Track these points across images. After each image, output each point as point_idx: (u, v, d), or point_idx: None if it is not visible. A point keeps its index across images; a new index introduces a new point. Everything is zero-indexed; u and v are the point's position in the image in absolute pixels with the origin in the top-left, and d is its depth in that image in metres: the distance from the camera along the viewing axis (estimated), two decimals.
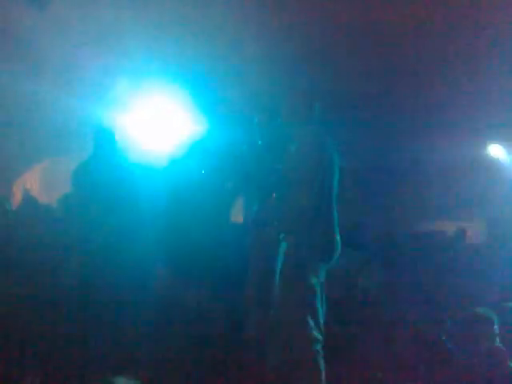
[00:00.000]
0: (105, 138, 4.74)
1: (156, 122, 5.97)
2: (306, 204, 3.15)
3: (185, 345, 3.77)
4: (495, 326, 3.77)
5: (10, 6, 5.19)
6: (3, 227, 5.55)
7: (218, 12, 5.46)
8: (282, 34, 5.77)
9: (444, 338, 3.96)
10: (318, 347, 3.09)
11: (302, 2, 5.44)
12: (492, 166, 8.93)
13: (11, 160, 6.53)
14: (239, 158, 3.91)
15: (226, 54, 5.90)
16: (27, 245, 5.22)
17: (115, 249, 4.58)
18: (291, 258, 3.17)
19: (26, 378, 3.38)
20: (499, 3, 5.28)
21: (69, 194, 5.44)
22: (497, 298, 5.18)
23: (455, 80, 6.89)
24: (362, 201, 8.14)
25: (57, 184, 6.12)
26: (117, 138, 4.79)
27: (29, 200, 5.86)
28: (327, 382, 3.10)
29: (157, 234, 4.22)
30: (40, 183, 6.62)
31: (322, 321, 3.16)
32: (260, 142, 3.90)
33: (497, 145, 8.90)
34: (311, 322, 3.08)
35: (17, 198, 6.61)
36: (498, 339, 3.73)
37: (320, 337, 3.10)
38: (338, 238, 3.26)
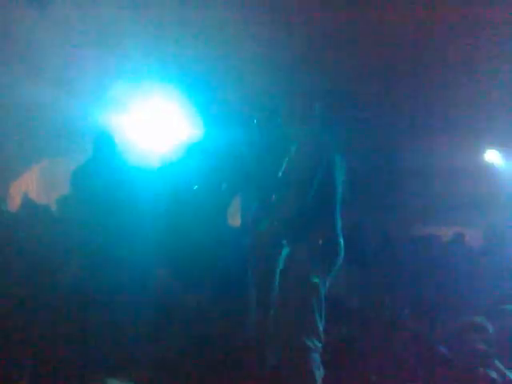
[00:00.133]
0: (104, 140, 4.74)
1: (155, 123, 5.96)
2: (305, 205, 3.12)
3: (184, 345, 3.77)
4: (490, 335, 3.78)
5: (9, 6, 5.19)
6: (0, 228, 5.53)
7: (217, 12, 5.46)
8: (282, 34, 5.77)
9: (439, 345, 3.98)
10: (316, 355, 3.03)
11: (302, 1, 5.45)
12: (489, 171, 8.96)
13: (9, 160, 6.51)
14: (238, 159, 3.91)
15: (225, 54, 5.91)
16: (24, 246, 5.21)
17: (114, 251, 4.59)
18: (292, 262, 3.15)
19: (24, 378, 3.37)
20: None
21: (67, 195, 5.44)
22: (493, 302, 5.18)
23: (453, 84, 6.93)
24: (359, 203, 8.15)
25: (55, 185, 6.11)
26: (116, 139, 4.80)
27: (26, 201, 5.84)
28: None
29: (156, 235, 4.21)
30: (38, 184, 6.61)
31: (321, 327, 3.11)
32: (259, 143, 3.88)
33: (494, 150, 8.94)
34: (310, 329, 3.04)
35: (14, 198, 6.59)
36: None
37: (318, 344, 3.05)
38: (342, 241, 3.22)
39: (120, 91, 6.32)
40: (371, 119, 7.78)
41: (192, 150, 4.02)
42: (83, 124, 5.77)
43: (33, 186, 6.04)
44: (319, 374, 3.01)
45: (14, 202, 5.92)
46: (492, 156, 9.12)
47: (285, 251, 3.23)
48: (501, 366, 3.58)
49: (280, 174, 3.25)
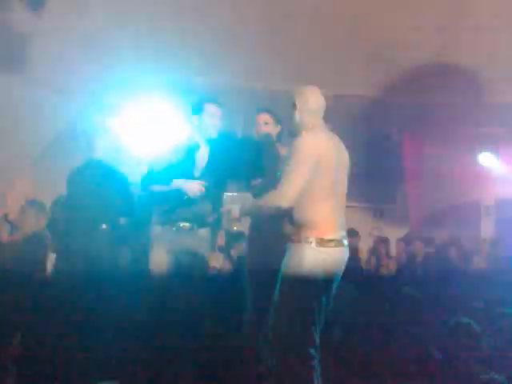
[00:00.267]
0: (100, 143, 4.75)
1: (151, 126, 5.96)
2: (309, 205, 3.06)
3: (181, 345, 3.77)
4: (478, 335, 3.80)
5: (4, 7, 5.19)
6: None
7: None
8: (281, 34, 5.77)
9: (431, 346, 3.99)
10: (315, 363, 2.99)
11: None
12: (482, 173, 9.01)
13: (3, 162, 6.51)
14: (237, 161, 3.90)
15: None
16: (17, 248, 5.22)
17: (108, 254, 4.59)
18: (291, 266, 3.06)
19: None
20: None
21: (62, 197, 5.44)
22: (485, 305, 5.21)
23: (447, 86, 6.97)
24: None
25: (49, 188, 6.11)
26: (112, 142, 4.80)
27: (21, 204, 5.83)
28: None
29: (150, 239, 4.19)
30: (33, 186, 6.61)
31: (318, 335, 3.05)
32: (257, 145, 3.89)
33: (487, 153, 8.98)
34: (309, 336, 3.00)
35: (8, 200, 6.59)
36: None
37: (315, 353, 3.00)
38: (346, 242, 3.16)
39: (115, 94, 6.33)
40: (369, 118, 7.83)
41: (188, 152, 4.01)
42: (79, 127, 5.78)
43: (27, 188, 6.03)
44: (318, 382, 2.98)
45: (7, 204, 5.92)
46: (486, 158, 9.17)
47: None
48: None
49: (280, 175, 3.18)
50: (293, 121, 3.25)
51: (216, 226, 4.32)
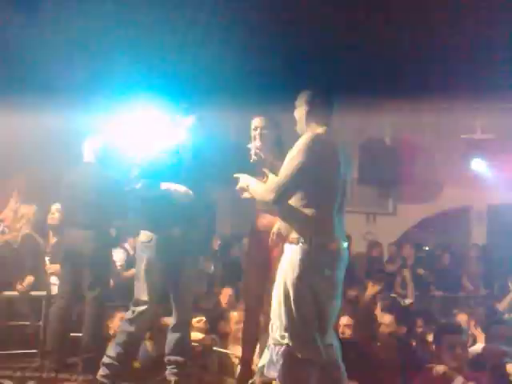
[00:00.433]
0: (94, 148, 4.76)
1: (144, 131, 5.95)
2: (313, 208, 3.00)
3: None
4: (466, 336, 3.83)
5: None
6: None
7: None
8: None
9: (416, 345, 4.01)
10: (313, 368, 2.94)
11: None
12: (474, 179, 9.06)
13: None
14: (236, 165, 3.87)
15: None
16: (6, 253, 5.21)
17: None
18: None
19: None
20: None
21: (55, 202, 5.45)
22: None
23: (439, 93, 7.00)
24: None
25: (40, 192, 6.11)
26: (105, 147, 4.81)
27: (11, 208, 5.82)
28: None
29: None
30: (25, 191, 6.58)
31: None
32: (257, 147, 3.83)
33: (479, 159, 9.04)
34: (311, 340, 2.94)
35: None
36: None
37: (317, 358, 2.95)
38: (345, 245, 3.10)
39: (109, 98, 6.33)
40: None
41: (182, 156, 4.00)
42: (71, 131, 5.77)
43: (16, 193, 6.02)
44: None
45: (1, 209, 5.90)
46: (478, 165, 9.23)
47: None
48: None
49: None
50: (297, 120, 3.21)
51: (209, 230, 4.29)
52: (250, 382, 3.68)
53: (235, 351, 4.51)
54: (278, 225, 3.45)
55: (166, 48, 5.53)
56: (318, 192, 2.99)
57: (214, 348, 4.55)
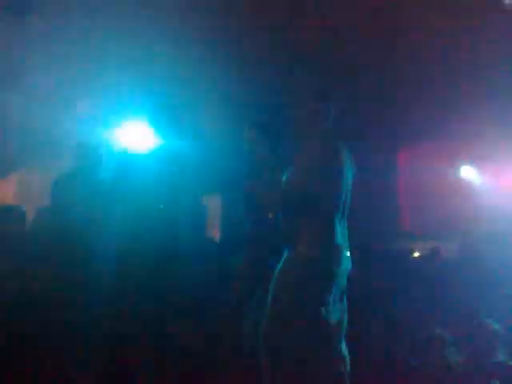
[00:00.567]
0: (87, 150, 4.76)
1: (137, 135, 5.95)
2: (323, 220, 2.94)
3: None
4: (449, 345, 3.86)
5: None
6: None
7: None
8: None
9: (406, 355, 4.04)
10: None
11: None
12: (464, 186, 9.13)
13: None
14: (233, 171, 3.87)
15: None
16: None
17: (90, 262, 4.58)
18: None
19: None
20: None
21: (46, 205, 5.43)
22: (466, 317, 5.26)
23: (430, 102, 7.06)
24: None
25: (32, 194, 6.09)
26: (99, 150, 4.81)
27: (2, 209, 5.80)
28: None
29: (136, 249, 4.16)
30: (15, 193, 6.57)
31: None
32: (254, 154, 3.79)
33: (468, 166, 9.12)
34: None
35: None
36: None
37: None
38: (348, 254, 3.03)
39: (99, 100, 6.32)
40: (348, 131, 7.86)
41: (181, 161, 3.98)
42: (64, 134, 5.76)
43: (9, 194, 6.00)
44: None
45: None
46: (467, 172, 9.30)
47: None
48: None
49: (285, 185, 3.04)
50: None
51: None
52: None
53: None
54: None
55: None
56: (321, 199, 2.92)
57: None
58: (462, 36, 5.53)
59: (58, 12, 5.17)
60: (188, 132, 3.99)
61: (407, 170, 8.86)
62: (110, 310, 3.79)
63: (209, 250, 6.25)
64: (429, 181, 8.78)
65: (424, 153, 8.34)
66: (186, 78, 5.76)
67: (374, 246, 8.48)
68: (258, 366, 2.97)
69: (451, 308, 5.84)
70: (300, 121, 3.12)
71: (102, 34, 5.46)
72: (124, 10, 5.19)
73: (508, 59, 5.76)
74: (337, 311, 2.94)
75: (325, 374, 2.85)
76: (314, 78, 3.55)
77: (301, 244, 2.92)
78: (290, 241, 2.98)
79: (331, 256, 2.90)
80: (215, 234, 8.00)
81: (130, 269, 3.82)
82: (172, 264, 3.87)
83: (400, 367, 3.91)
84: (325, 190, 2.91)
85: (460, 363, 3.83)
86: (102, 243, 5.10)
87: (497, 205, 8.84)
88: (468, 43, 5.65)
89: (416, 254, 8.95)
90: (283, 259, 2.99)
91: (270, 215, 3.53)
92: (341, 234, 2.98)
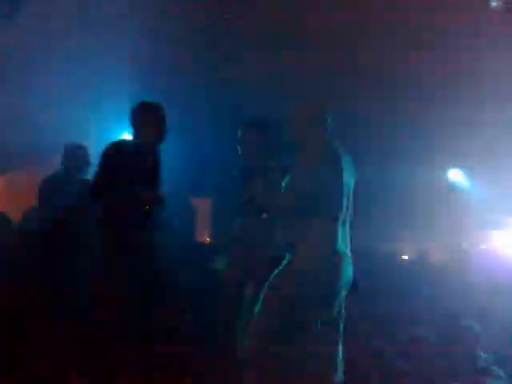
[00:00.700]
0: (74, 153, 4.74)
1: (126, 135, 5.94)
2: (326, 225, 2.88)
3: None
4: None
5: None
6: None
7: None
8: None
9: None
10: None
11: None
12: (452, 189, 9.19)
13: None
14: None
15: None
16: None
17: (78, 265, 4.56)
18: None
19: None
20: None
21: (33, 206, 5.40)
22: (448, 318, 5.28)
23: (416, 104, 7.10)
24: None
25: (20, 196, 6.06)
26: (86, 153, 4.79)
27: None
28: None
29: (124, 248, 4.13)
30: (2, 195, 6.53)
31: None
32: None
33: (456, 169, 9.17)
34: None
35: None
36: None
37: None
38: (349, 254, 2.96)
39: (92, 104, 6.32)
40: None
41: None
42: (52, 136, 5.75)
43: None
44: None
45: None
46: (455, 175, 9.36)
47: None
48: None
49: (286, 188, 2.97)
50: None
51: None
52: None
53: None
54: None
55: None
56: (322, 202, 2.86)
57: None
58: (448, 35, 5.57)
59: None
60: (180, 132, 3.99)
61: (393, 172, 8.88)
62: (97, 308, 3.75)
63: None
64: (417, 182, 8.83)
65: (410, 153, 8.37)
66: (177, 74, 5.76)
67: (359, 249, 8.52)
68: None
69: (436, 309, 5.88)
70: (299, 123, 3.07)
71: (86, 33, 5.46)
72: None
73: (494, 60, 5.80)
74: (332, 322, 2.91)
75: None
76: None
77: (300, 247, 2.86)
78: (289, 244, 2.93)
79: (329, 262, 2.83)
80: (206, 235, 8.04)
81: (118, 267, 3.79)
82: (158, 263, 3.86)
83: (387, 368, 3.92)
84: (324, 193, 2.85)
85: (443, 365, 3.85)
86: (90, 243, 5.09)
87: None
88: (454, 43, 5.70)
89: (405, 257, 9.00)
90: (283, 263, 2.93)
91: (264, 216, 3.56)
92: (342, 239, 2.91)
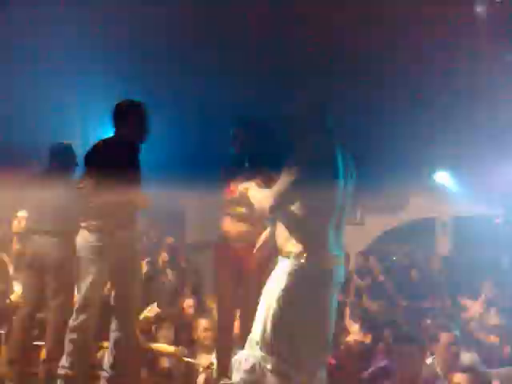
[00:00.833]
0: (60, 151, 4.69)
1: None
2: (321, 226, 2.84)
3: None
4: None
5: None
6: None
7: None
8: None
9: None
10: None
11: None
12: (439, 191, 9.24)
13: None
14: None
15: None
16: None
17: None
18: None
19: None
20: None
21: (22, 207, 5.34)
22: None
23: (405, 108, 7.14)
24: None
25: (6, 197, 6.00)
26: (72, 151, 4.74)
27: None
28: None
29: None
30: None
31: None
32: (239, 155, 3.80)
33: (444, 172, 9.22)
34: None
35: None
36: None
37: None
38: (341, 266, 2.93)
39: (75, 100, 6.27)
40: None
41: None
42: (39, 135, 5.70)
43: None
44: None
45: None
46: (442, 177, 9.41)
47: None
48: None
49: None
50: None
51: None
52: None
53: (202, 359, 4.48)
54: (266, 236, 3.27)
55: None
56: (314, 203, 2.81)
57: (186, 359, 4.48)
58: (438, 35, 5.61)
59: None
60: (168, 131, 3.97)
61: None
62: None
63: None
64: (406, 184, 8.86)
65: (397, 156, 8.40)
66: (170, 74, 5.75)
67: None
68: None
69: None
70: (296, 121, 3.03)
71: (73, 34, 5.44)
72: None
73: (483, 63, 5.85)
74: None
75: None
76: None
77: (291, 249, 2.82)
78: (281, 245, 2.89)
79: (321, 263, 2.81)
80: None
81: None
82: None
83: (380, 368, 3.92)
84: (317, 194, 2.79)
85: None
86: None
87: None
88: (445, 42, 5.74)
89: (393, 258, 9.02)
90: (276, 265, 2.90)
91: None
92: (334, 240, 2.87)
